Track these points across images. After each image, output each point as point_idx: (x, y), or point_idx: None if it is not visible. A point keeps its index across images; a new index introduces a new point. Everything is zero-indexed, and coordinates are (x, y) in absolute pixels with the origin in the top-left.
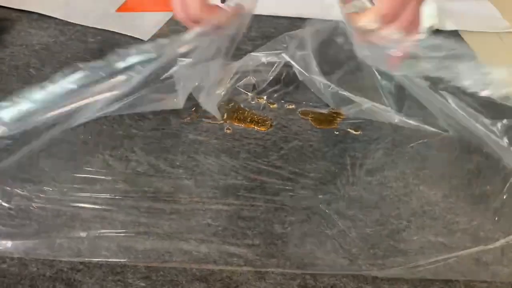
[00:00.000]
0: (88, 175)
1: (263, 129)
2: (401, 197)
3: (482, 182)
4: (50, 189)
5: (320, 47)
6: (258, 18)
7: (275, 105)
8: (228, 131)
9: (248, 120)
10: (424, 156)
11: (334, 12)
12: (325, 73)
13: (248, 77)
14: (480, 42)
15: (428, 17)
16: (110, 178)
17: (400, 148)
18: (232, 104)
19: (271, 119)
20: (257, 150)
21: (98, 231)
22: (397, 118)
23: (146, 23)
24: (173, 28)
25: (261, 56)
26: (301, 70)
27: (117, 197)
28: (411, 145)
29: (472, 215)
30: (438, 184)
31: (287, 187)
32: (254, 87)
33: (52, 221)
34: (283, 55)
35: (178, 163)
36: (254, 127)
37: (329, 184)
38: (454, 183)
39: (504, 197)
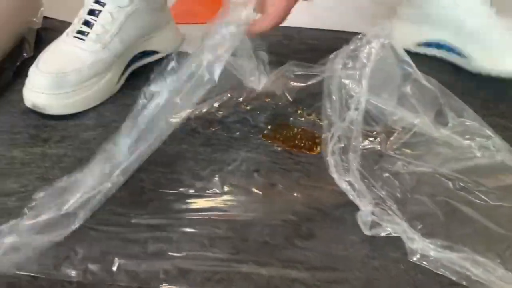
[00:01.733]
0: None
1: (312, 153)
2: None
3: None
4: None
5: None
6: (300, 30)
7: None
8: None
9: (297, 142)
10: None
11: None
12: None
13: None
14: None
15: None
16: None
17: None
18: (280, 119)
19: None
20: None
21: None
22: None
23: (190, 36)
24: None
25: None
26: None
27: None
28: None
29: None
30: None
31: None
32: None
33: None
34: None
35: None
36: (303, 151)
37: None
38: None
39: None
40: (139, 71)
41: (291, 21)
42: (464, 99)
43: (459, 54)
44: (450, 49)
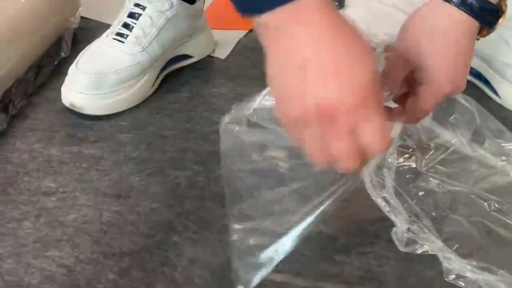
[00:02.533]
0: None
1: None
2: None
3: None
4: None
5: None
6: None
7: None
8: None
9: None
10: None
11: None
12: None
13: None
14: None
15: None
16: None
17: None
18: None
19: None
20: None
21: None
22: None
23: (221, 42)
24: (248, 46)
25: None
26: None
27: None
28: None
29: None
30: None
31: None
32: None
33: None
34: None
35: None
36: None
37: None
38: None
39: None
40: (172, 75)
41: None
42: (502, 120)
43: (487, 83)
44: (479, 75)
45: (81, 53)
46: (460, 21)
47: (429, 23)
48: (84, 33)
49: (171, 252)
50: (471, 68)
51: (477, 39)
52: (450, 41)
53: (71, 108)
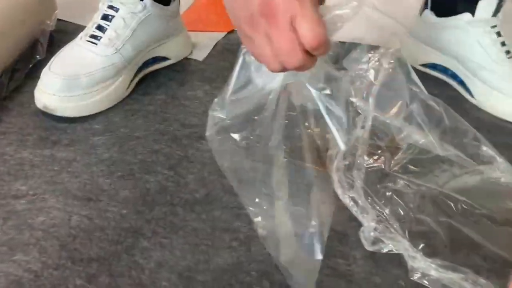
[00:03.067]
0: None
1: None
2: None
3: None
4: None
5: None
6: None
7: None
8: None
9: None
10: None
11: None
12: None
13: None
14: None
15: None
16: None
17: None
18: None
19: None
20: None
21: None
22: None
23: (199, 44)
24: (226, 48)
25: None
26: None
27: (175, 222)
28: None
29: None
30: None
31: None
32: None
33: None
34: None
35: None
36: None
37: None
38: None
39: None
40: (148, 77)
41: None
42: (470, 121)
43: (462, 83)
44: (454, 75)
45: (54, 56)
46: None
47: None
48: (61, 35)
49: (139, 256)
50: (447, 68)
51: None
52: None
53: (45, 110)
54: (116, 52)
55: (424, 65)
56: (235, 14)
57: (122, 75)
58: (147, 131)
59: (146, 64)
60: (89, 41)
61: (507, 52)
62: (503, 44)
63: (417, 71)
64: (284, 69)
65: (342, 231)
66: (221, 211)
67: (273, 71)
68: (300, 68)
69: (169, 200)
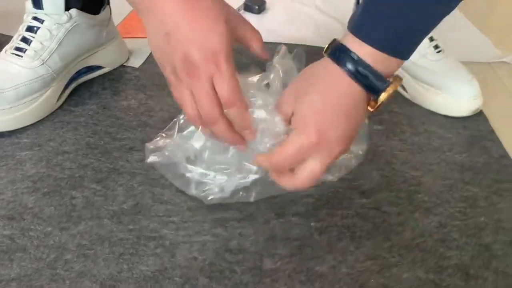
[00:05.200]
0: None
1: None
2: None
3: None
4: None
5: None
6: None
7: None
8: None
9: None
10: None
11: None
12: None
13: None
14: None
15: None
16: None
17: None
18: None
19: None
20: None
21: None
22: None
23: (136, 51)
24: None
25: None
26: None
27: (101, 234)
28: None
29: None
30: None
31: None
32: None
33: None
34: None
35: (165, 198)
36: None
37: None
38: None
39: None
40: (82, 87)
41: None
42: (404, 113)
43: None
44: None
45: None
46: (345, 80)
47: (316, 71)
48: None
49: (61, 269)
50: None
51: (370, 111)
52: (330, 96)
53: None
54: (42, 64)
55: None
56: (160, 63)
57: (50, 87)
58: (77, 145)
59: (80, 73)
60: (14, 53)
61: (436, 47)
62: (431, 39)
63: None
64: (202, 122)
65: None
66: (149, 220)
67: (191, 120)
68: (215, 125)
69: (96, 214)
